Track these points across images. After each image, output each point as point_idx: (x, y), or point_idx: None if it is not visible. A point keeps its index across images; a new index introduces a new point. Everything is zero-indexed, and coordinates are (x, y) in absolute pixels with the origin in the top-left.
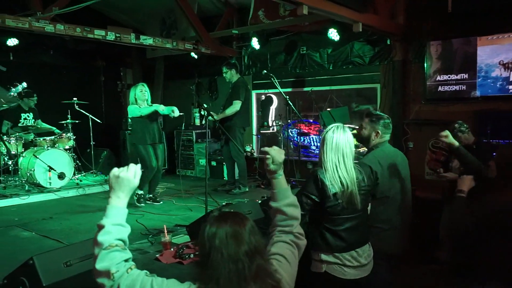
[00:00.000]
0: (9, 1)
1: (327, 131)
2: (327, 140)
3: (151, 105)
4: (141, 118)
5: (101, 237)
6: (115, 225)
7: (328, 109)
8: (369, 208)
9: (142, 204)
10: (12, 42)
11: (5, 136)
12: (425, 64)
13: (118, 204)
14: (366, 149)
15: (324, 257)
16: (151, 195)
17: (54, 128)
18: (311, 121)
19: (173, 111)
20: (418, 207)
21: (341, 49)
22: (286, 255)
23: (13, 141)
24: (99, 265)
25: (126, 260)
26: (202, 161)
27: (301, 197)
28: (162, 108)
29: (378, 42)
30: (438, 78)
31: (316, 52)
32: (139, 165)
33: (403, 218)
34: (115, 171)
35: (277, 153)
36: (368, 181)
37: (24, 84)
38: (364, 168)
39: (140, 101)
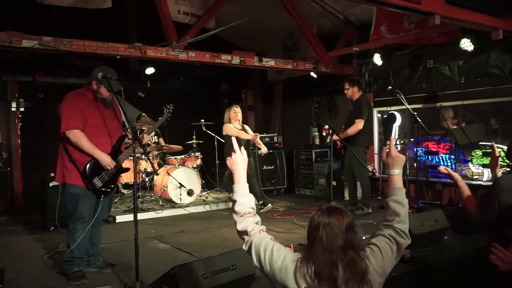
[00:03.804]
0: (148, 34)
1: None
2: None
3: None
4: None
5: (237, 208)
6: (243, 196)
7: (457, 126)
8: None
9: None
10: (149, 71)
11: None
12: None
13: (240, 181)
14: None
15: None
16: (261, 202)
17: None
18: (441, 139)
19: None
20: None
21: (474, 60)
22: (381, 246)
23: (151, 160)
24: (239, 227)
25: (256, 222)
26: (322, 181)
27: None
28: (249, 137)
29: None
30: None
31: (445, 65)
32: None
33: None
34: (228, 160)
35: (395, 151)
36: None
37: None
38: None
39: (233, 120)
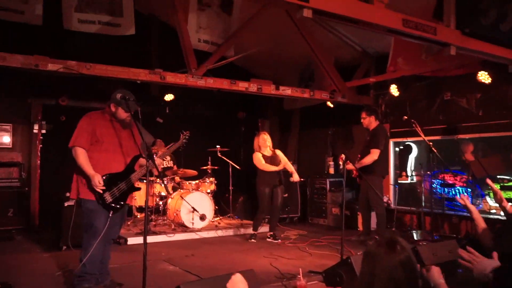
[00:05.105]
0: (170, 61)
1: None
2: None
3: (276, 168)
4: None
5: None
6: None
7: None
8: None
9: (253, 241)
10: (169, 97)
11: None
12: None
13: None
14: None
15: None
16: (272, 233)
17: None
18: (457, 171)
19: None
20: None
21: (493, 93)
22: None
23: (165, 183)
24: None
25: None
26: (335, 210)
27: None
28: (280, 168)
29: None
30: None
31: (462, 97)
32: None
33: None
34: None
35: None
36: None
37: None
38: None
39: (263, 147)
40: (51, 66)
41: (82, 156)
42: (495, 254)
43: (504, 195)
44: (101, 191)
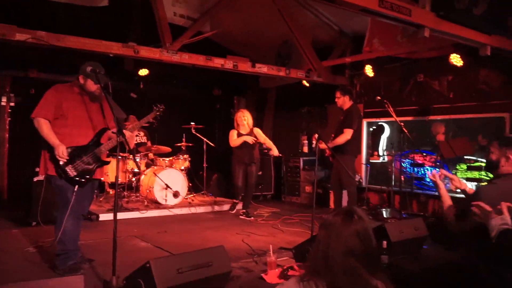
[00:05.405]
0: (144, 37)
1: None
2: None
3: (243, 137)
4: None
5: None
6: None
7: (445, 140)
8: None
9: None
10: (143, 72)
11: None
12: None
13: None
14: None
15: None
16: (244, 210)
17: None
18: (427, 151)
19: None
20: None
21: (463, 76)
22: None
23: (137, 159)
24: None
25: None
26: (308, 188)
27: None
28: (250, 140)
29: (509, 67)
30: None
31: (434, 79)
32: None
33: None
34: None
35: None
36: None
37: None
38: None
39: (241, 125)
40: (18, 36)
41: (45, 127)
42: (503, 205)
43: (470, 175)
44: (65, 160)
